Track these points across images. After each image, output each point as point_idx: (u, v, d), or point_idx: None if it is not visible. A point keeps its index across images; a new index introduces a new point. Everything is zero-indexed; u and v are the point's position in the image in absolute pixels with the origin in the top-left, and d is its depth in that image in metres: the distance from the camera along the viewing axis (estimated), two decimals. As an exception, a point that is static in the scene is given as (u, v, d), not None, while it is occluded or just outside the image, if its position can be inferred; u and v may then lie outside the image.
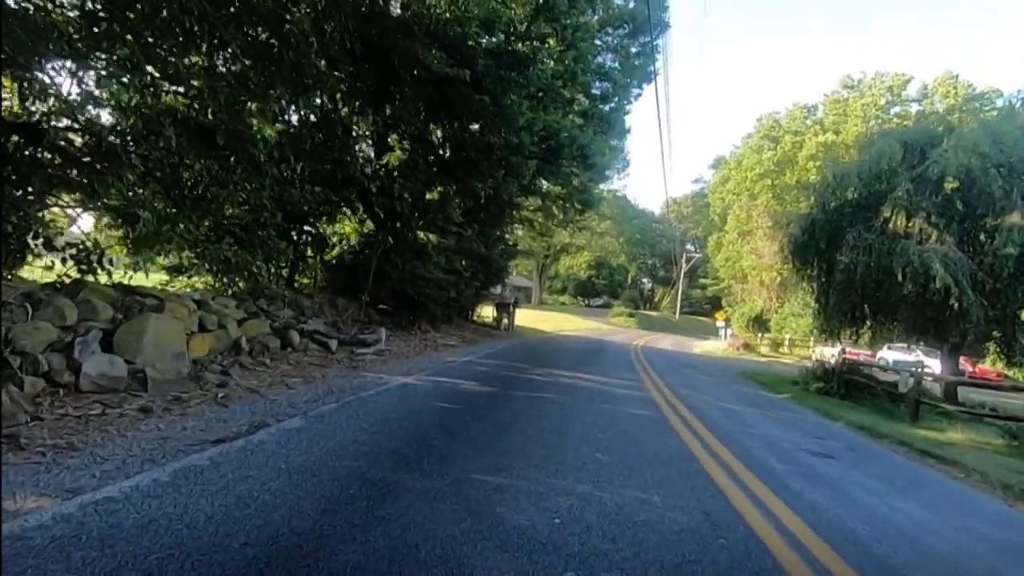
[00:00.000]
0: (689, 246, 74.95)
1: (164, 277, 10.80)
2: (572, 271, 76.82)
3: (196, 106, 6.33)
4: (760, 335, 36.91)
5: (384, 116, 9.82)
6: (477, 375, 8.90)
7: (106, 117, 6.09)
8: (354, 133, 9.34)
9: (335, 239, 17.89)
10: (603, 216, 68.07)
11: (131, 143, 5.76)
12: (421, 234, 13.85)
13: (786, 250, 18.53)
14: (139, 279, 8.91)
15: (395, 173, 11.72)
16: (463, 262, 16.16)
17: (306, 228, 15.88)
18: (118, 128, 5.74)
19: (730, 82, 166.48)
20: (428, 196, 14.97)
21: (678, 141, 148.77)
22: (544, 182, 20.84)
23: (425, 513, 3.02)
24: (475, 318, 21.88)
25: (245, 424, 4.44)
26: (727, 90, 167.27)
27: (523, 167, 14.30)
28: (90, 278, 6.19)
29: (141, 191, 6.00)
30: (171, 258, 10.06)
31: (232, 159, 6.73)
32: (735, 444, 6.36)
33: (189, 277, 10.81)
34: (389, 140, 11.77)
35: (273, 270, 9.15)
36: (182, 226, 6.46)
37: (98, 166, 5.60)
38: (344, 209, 16.62)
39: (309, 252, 15.07)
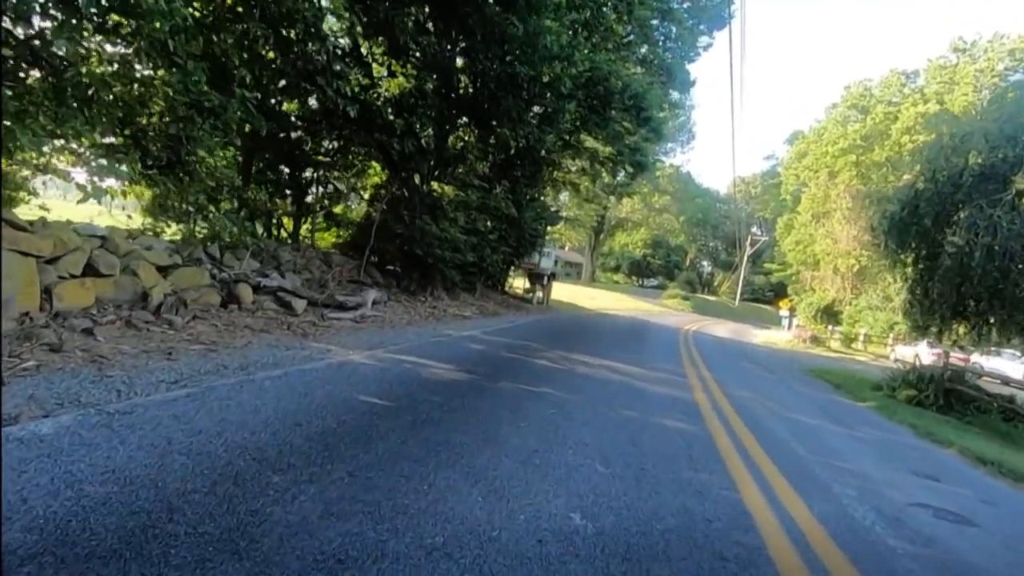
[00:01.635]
0: (755, 228, 69.66)
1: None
2: (627, 249, 73.28)
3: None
4: (830, 328, 33.09)
5: (362, 18, 7.71)
6: (464, 356, 6.89)
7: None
8: (326, 36, 7.25)
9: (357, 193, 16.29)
10: (663, 192, 64.25)
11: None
12: (436, 185, 11.85)
13: (879, 229, 15.40)
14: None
15: (401, 106, 9.69)
16: (488, 223, 14.08)
17: (316, 176, 14.31)
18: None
19: (815, 50, 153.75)
20: (449, 142, 12.93)
21: (750, 110, 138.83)
22: (590, 140, 18.32)
23: None
24: (507, 289, 19.86)
25: (-26, 420, 2.61)
26: (811, 59, 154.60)
27: (560, 111, 11.96)
28: None
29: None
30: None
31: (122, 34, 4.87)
32: (817, 493, 4.09)
33: (177, 223, 9.34)
34: (393, 67, 9.71)
35: (217, 209, 7.39)
36: (45, 125, 4.69)
37: None
38: (371, 162, 14.85)
39: (312, 202, 13.44)
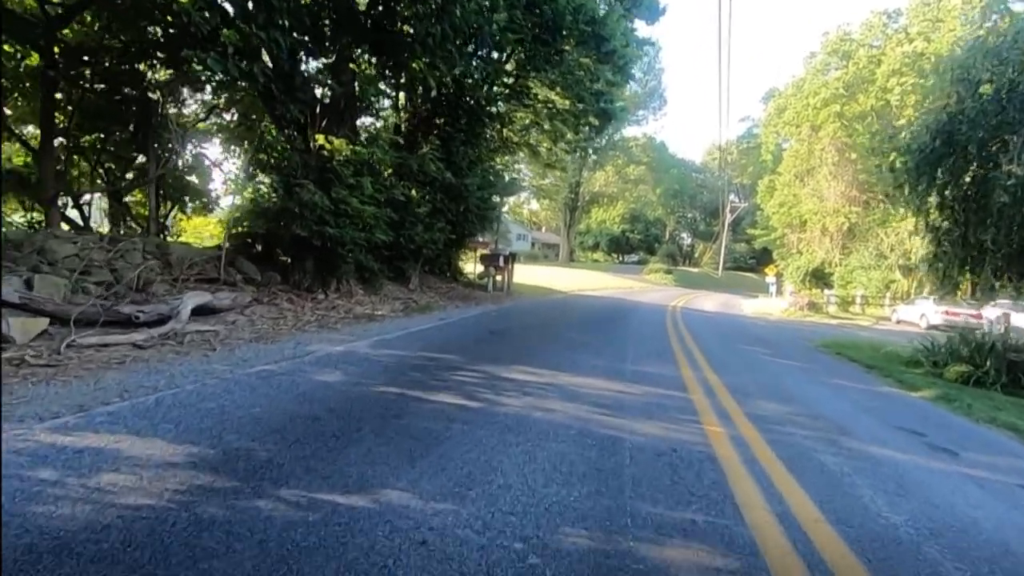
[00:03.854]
0: (733, 196, 67.00)
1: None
2: (605, 225, 70.30)
3: None
4: (826, 292, 30.46)
5: None
6: (270, 414, 3.68)
7: None
8: None
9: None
10: (637, 162, 61.35)
11: None
12: (322, 139, 8.54)
13: (900, 168, 12.47)
14: None
15: (223, 11, 6.36)
16: (412, 191, 10.80)
17: (175, 148, 10.89)
18: None
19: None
20: (353, 83, 9.57)
21: (725, 71, 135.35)
22: (547, 90, 15.04)
23: None
24: (459, 275, 16.57)
25: None
26: (790, 13, 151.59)
27: (487, 24, 8.70)
28: None
29: None
30: None
31: None
32: None
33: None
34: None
35: None
36: None
37: None
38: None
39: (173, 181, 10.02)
